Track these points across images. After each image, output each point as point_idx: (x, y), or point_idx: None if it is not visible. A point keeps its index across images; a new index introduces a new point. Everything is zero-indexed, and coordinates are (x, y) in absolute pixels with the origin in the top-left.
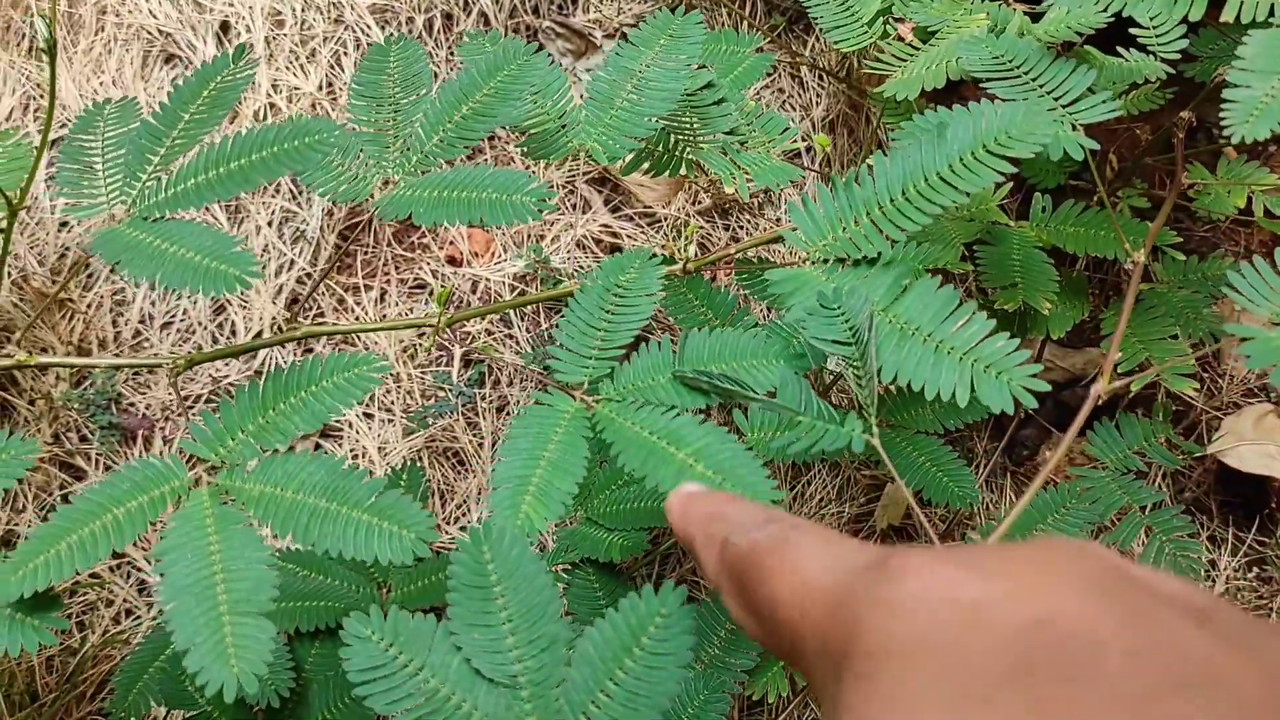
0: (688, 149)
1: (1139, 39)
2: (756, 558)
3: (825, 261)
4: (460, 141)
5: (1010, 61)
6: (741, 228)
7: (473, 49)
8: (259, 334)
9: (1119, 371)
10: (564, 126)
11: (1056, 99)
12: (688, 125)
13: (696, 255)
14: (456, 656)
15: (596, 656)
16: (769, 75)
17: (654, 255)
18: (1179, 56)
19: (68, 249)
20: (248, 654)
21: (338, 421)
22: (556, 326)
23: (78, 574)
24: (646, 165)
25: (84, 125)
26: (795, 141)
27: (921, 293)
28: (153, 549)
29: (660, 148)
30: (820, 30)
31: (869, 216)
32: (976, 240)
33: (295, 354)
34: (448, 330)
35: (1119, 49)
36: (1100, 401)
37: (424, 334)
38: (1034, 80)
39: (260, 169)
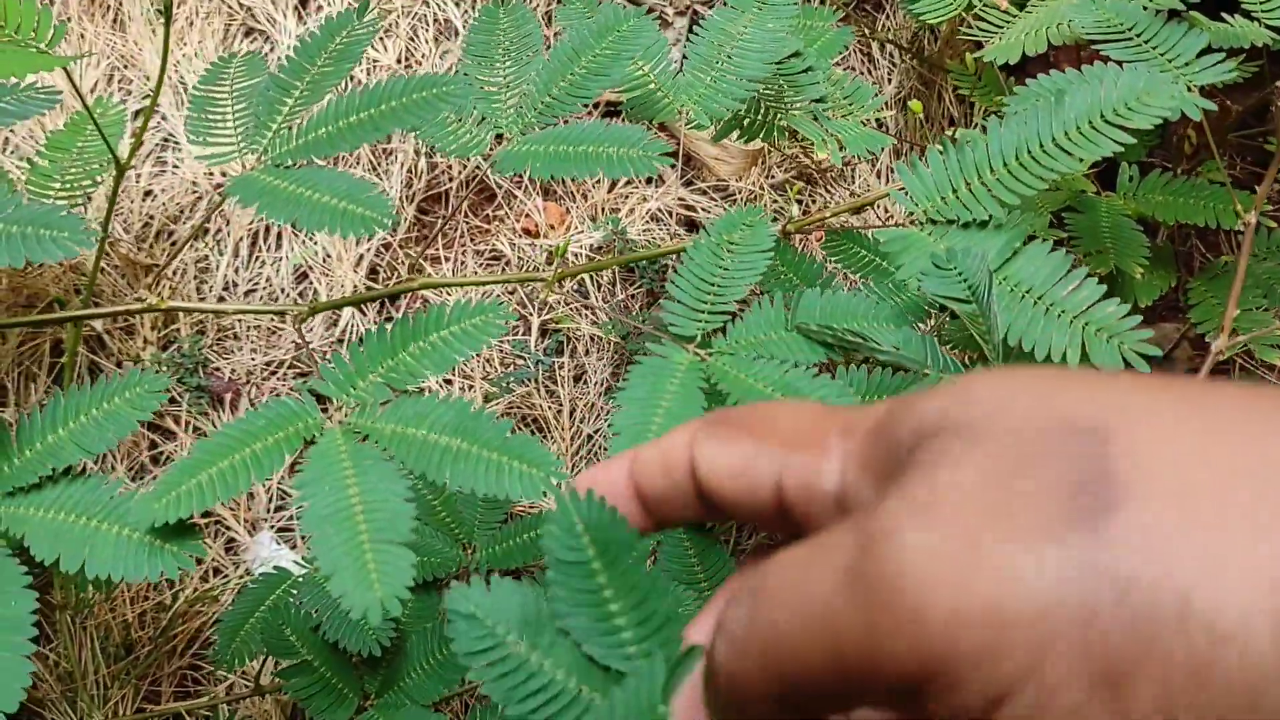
0: (778, 115)
1: (1243, 4)
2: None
3: (934, 223)
4: (574, 99)
5: (1122, 25)
6: (814, 201)
7: (572, 12)
8: None
9: (1204, 340)
10: (663, 90)
11: (1170, 61)
12: (778, 92)
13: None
14: (567, 640)
15: None
16: (840, 53)
17: (763, 217)
18: None
19: (152, 217)
20: (390, 580)
21: (421, 386)
22: (670, 282)
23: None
24: (738, 131)
25: (212, 77)
26: (880, 111)
27: (1033, 256)
28: (292, 482)
29: (751, 114)
30: (902, 2)
31: (980, 180)
32: (1064, 208)
33: (375, 321)
34: (525, 300)
35: (1223, 15)
36: (1220, 358)
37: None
38: (1147, 43)
39: (389, 118)
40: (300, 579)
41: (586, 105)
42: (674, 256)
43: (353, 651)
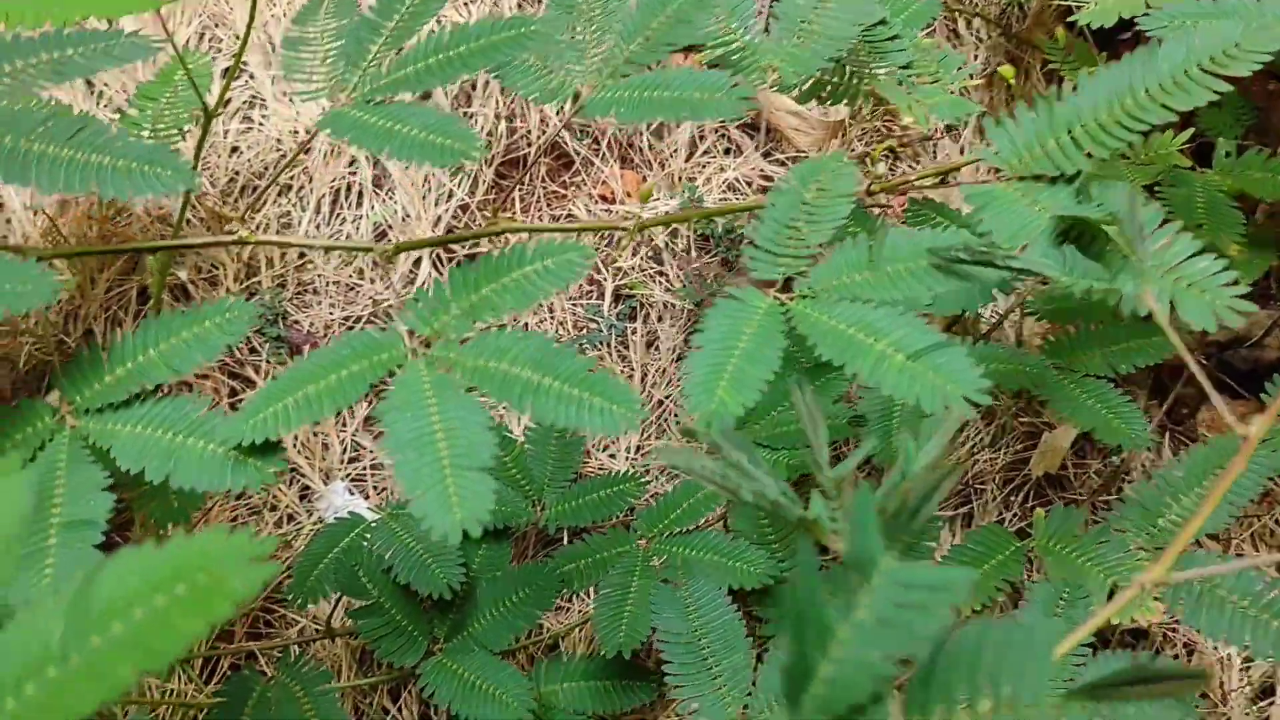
0: (863, 80)
1: None
2: None
3: (1021, 180)
4: (661, 46)
5: None
6: (893, 173)
7: None
8: (418, 261)
9: None
10: (750, 49)
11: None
12: (863, 58)
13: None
14: None
15: None
16: (925, 29)
17: (848, 161)
18: None
19: (238, 173)
20: (469, 503)
21: None
22: (752, 228)
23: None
24: (820, 97)
25: (305, 18)
26: (967, 81)
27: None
28: (375, 409)
29: (837, 78)
30: None
31: (1070, 134)
32: (1154, 183)
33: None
34: (600, 265)
35: None
36: None
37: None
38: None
39: (476, 56)
40: (374, 524)
41: (671, 51)
42: (753, 213)
43: (423, 595)
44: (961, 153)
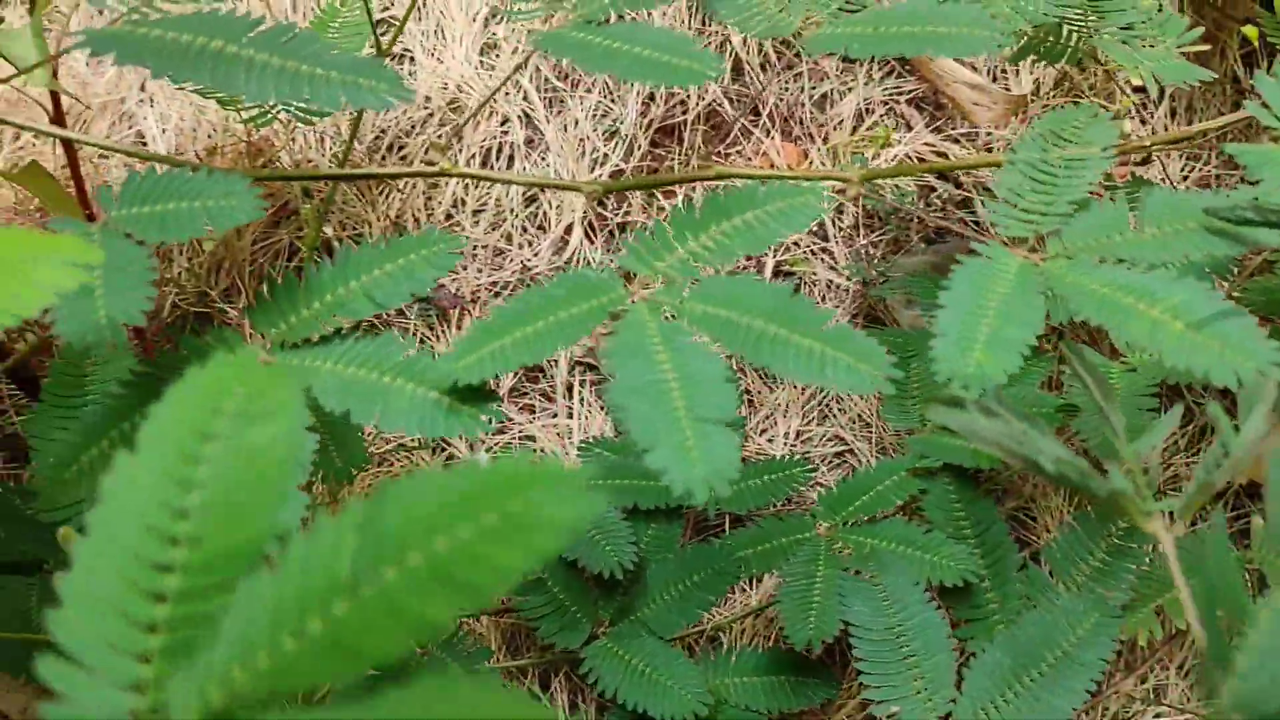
0: (1081, 40)
1: None
2: None
3: None
4: None
5: None
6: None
7: None
8: (569, 226)
9: None
10: None
11: None
12: (1083, 19)
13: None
14: None
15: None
16: None
17: (1100, 111)
18: None
19: (385, 130)
20: (712, 458)
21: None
22: (997, 181)
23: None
24: (1036, 55)
25: None
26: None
27: None
28: (600, 350)
29: (1051, 38)
30: None
31: None
32: None
33: (603, 248)
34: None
35: None
36: None
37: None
38: None
39: None
40: None
41: None
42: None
43: (591, 573)
44: (1153, 132)
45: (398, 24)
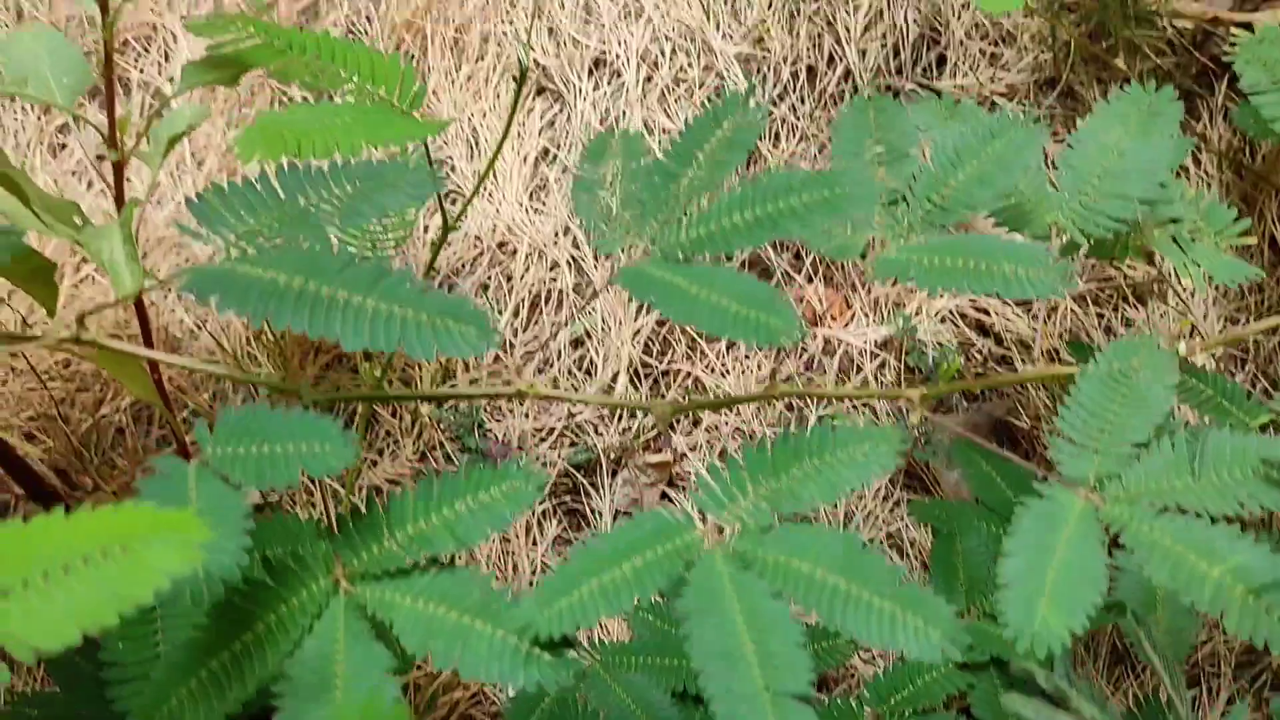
0: (1132, 236)
1: None
2: None
3: None
4: (960, 207)
5: None
6: (1119, 316)
7: (926, 113)
8: (615, 374)
9: None
10: (1032, 201)
11: None
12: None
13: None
14: None
15: None
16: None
17: (1161, 343)
18: None
19: (437, 269)
20: None
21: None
22: (1060, 416)
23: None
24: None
25: (594, 155)
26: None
27: None
28: (674, 605)
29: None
30: (1251, 91)
31: None
32: None
33: (648, 394)
34: (799, 389)
35: None
36: None
37: None
38: None
39: (789, 219)
40: (587, 671)
41: (971, 213)
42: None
43: None
44: (1193, 295)
45: (463, 197)
